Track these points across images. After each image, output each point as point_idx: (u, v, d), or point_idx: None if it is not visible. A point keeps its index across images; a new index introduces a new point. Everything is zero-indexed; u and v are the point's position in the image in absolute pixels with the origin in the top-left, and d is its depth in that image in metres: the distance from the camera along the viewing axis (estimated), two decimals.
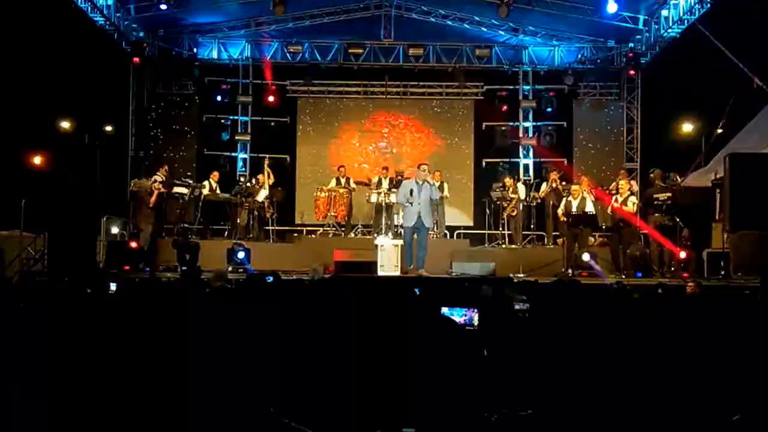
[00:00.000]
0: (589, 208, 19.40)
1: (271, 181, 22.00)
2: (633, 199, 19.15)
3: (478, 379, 4.60)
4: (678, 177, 19.84)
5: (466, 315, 7.62)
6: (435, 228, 21.16)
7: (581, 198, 19.49)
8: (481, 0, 22.08)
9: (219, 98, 25.28)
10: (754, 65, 19.77)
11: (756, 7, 19.30)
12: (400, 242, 17.98)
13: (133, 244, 18.90)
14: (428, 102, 26.51)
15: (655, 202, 18.42)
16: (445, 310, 7.39)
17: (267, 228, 22.16)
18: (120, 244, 19.80)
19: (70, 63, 20.60)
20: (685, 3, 21.24)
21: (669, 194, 18.38)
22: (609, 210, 19.24)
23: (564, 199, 19.89)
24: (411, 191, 17.31)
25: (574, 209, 19.22)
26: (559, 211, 19.69)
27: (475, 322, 7.39)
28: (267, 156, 23.19)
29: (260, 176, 22.04)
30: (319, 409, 4.15)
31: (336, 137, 26.29)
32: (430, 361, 4.27)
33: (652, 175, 19.52)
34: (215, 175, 22.14)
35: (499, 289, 9.22)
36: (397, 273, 17.52)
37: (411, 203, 17.32)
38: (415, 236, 17.59)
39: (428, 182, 17.71)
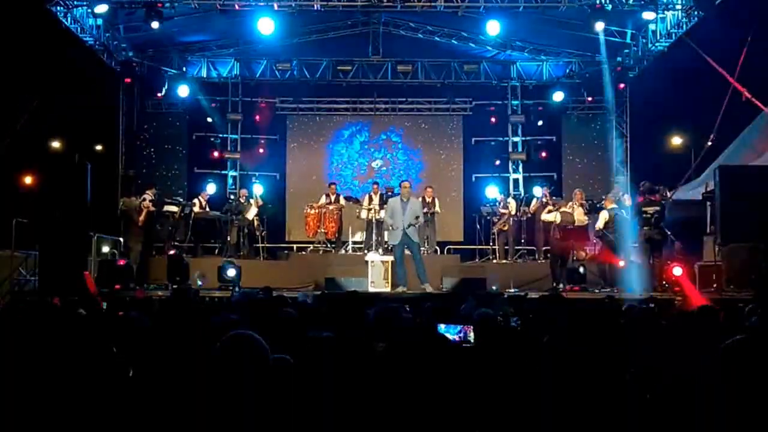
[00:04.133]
0: (578, 222, 19.46)
1: (260, 203, 22.02)
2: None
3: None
4: (667, 191, 19.82)
5: (461, 332, 7.58)
6: (426, 244, 21.14)
7: (571, 212, 19.52)
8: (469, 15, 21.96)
9: (208, 117, 25.22)
10: (743, 78, 19.77)
11: (743, 19, 19.35)
12: (390, 258, 17.99)
13: (121, 263, 18.84)
14: (417, 118, 26.56)
15: (644, 215, 18.38)
16: (441, 326, 7.35)
17: (257, 245, 22.11)
18: (111, 262, 19.69)
19: (59, 83, 20.53)
20: (672, 17, 21.24)
21: (657, 207, 18.35)
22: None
23: (555, 212, 19.90)
24: (396, 210, 17.43)
25: (558, 220, 19.28)
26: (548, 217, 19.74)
27: (471, 338, 7.35)
28: (256, 181, 23.23)
29: (251, 200, 22.01)
30: None
31: (325, 154, 26.28)
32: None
33: (641, 188, 19.49)
34: (205, 194, 22.10)
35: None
36: (388, 289, 17.50)
37: (393, 226, 17.42)
38: (408, 252, 17.62)
39: (413, 199, 17.83)
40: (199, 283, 18.11)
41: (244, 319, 6.74)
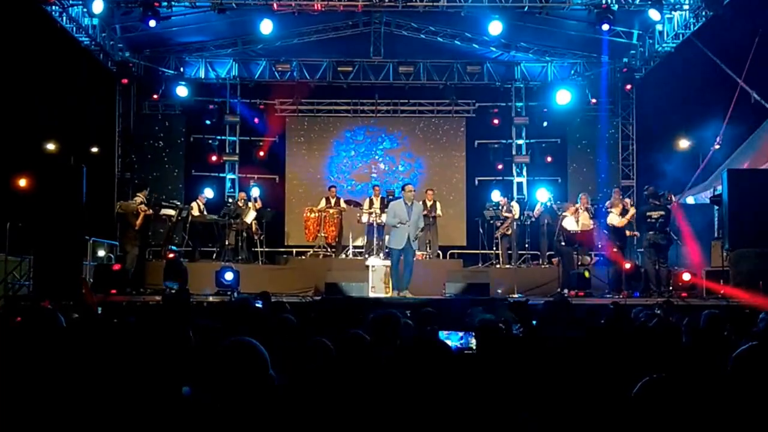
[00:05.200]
0: (575, 226, 19.17)
1: (259, 205, 21.72)
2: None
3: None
4: (672, 195, 19.57)
5: (462, 339, 7.42)
6: (428, 249, 20.86)
7: (577, 217, 19.24)
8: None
9: (206, 118, 24.94)
10: (751, 79, 19.51)
11: (752, 20, 19.11)
12: None
13: (115, 267, 18.55)
14: (419, 120, 26.27)
15: (648, 220, 18.14)
16: (443, 333, 7.22)
17: (256, 250, 21.82)
18: (107, 267, 19.47)
19: (55, 84, 20.32)
20: (680, 17, 21.01)
21: (662, 212, 18.08)
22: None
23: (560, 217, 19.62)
24: (400, 214, 17.00)
25: (567, 227, 18.96)
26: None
27: (473, 346, 7.22)
28: (254, 184, 23.01)
29: (249, 203, 21.70)
30: None
31: (325, 157, 25.98)
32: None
33: (645, 192, 19.23)
34: (202, 197, 21.79)
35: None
36: (389, 294, 17.20)
37: (402, 224, 16.95)
38: (402, 257, 17.23)
39: (417, 203, 17.46)
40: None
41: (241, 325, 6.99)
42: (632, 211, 19.33)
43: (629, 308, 11.60)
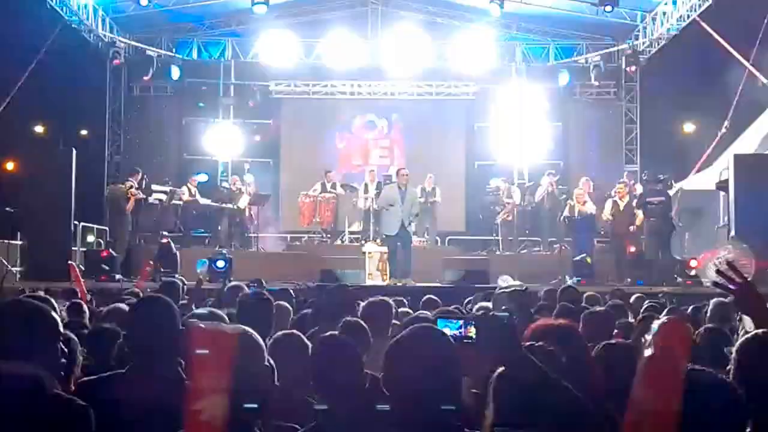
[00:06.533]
0: (591, 211, 18.83)
1: (253, 190, 21.29)
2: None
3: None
4: (672, 180, 19.25)
5: (460, 328, 7.04)
6: (426, 235, 20.50)
7: (585, 203, 18.90)
8: None
9: (199, 100, 24.57)
10: (759, 62, 19.19)
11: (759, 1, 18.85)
12: None
13: (104, 253, 18.13)
14: (418, 102, 25.77)
15: (649, 206, 17.79)
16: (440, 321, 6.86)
17: (249, 235, 21.49)
18: (96, 253, 19.07)
19: (43, 64, 19.98)
20: None
21: (662, 198, 17.75)
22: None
23: (568, 204, 19.23)
24: (392, 199, 16.56)
25: (576, 214, 18.64)
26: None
27: (472, 334, 6.83)
28: (248, 168, 22.61)
29: (243, 187, 21.28)
30: None
31: (321, 140, 25.53)
32: None
33: (645, 178, 18.92)
34: (194, 180, 21.35)
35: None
36: (385, 282, 16.84)
37: (392, 205, 16.48)
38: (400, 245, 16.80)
39: (411, 188, 17.06)
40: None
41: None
42: (619, 203, 18.72)
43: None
